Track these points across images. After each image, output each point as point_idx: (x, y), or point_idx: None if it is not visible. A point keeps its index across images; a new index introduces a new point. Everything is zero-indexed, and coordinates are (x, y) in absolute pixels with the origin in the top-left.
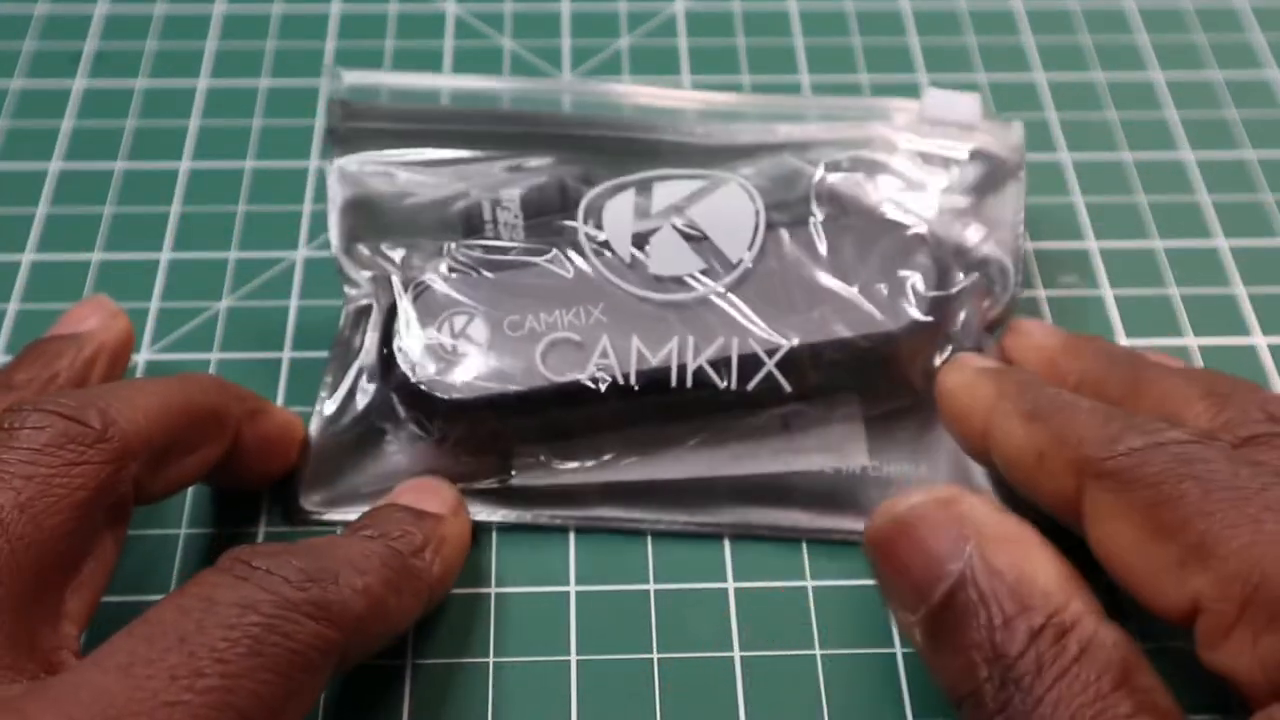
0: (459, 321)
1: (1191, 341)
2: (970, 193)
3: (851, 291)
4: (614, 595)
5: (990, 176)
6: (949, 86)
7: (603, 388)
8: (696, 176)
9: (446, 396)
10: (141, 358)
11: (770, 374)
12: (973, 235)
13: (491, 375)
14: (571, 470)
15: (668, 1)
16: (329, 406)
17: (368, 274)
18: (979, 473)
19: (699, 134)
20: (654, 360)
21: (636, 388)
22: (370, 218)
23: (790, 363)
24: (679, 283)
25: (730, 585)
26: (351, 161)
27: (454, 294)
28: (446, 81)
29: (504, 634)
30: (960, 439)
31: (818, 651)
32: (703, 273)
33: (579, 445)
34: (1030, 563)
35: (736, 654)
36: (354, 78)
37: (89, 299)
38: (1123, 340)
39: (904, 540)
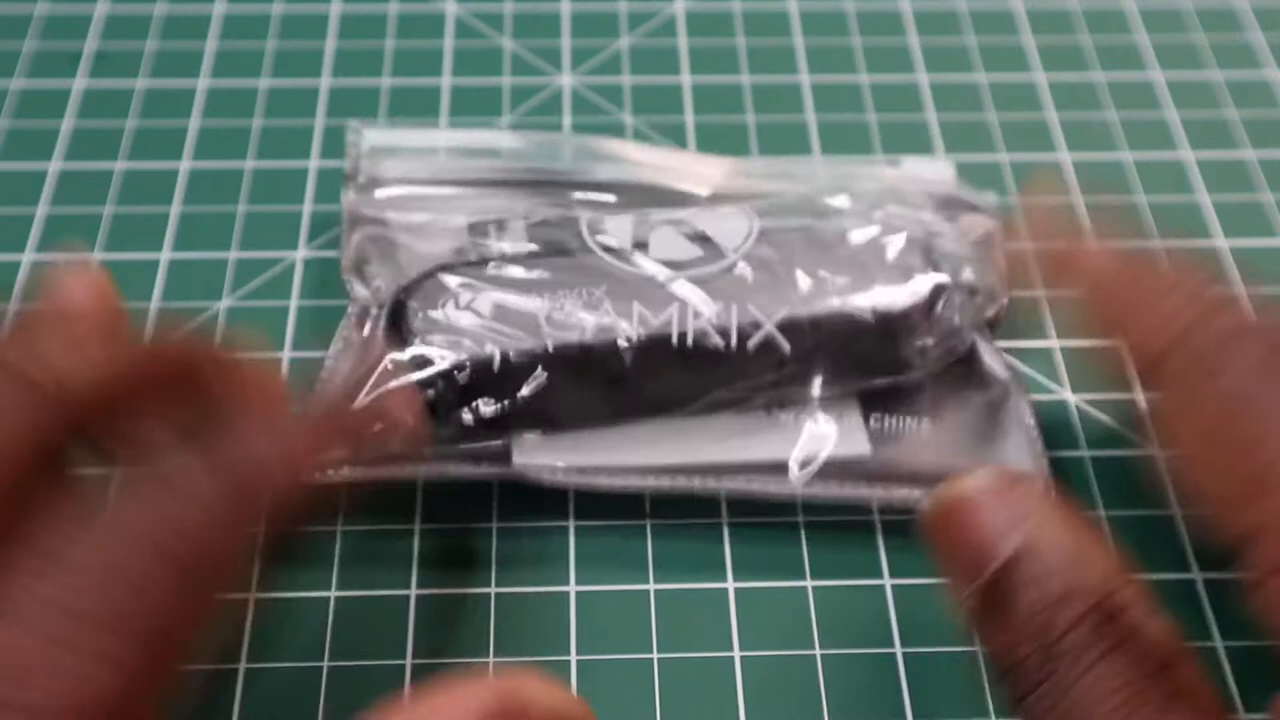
0: (465, 296)
1: None
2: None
3: (846, 277)
4: (614, 595)
5: (962, 208)
6: (949, 86)
7: (605, 349)
8: (695, 203)
9: (452, 360)
10: None
11: (770, 335)
12: (955, 250)
13: (495, 343)
14: (565, 448)
15: (668, 1)
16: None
17: (371, 291)
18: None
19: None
20: (655, 322)
21: (637, 346)
22: (380, 247)
23: (789, 327)
24: (678, 265)
25: (730, 585)
26: (365, 201)
27: (459, 279)
28: (468, 138)
29: (504, 634)
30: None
31: (818, 651)
32: (701, 259)
33: (572, 428)
34: (1084, 547)
35: (736, 654)
36: (374, 137)
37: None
38: None
39: (964, 516)
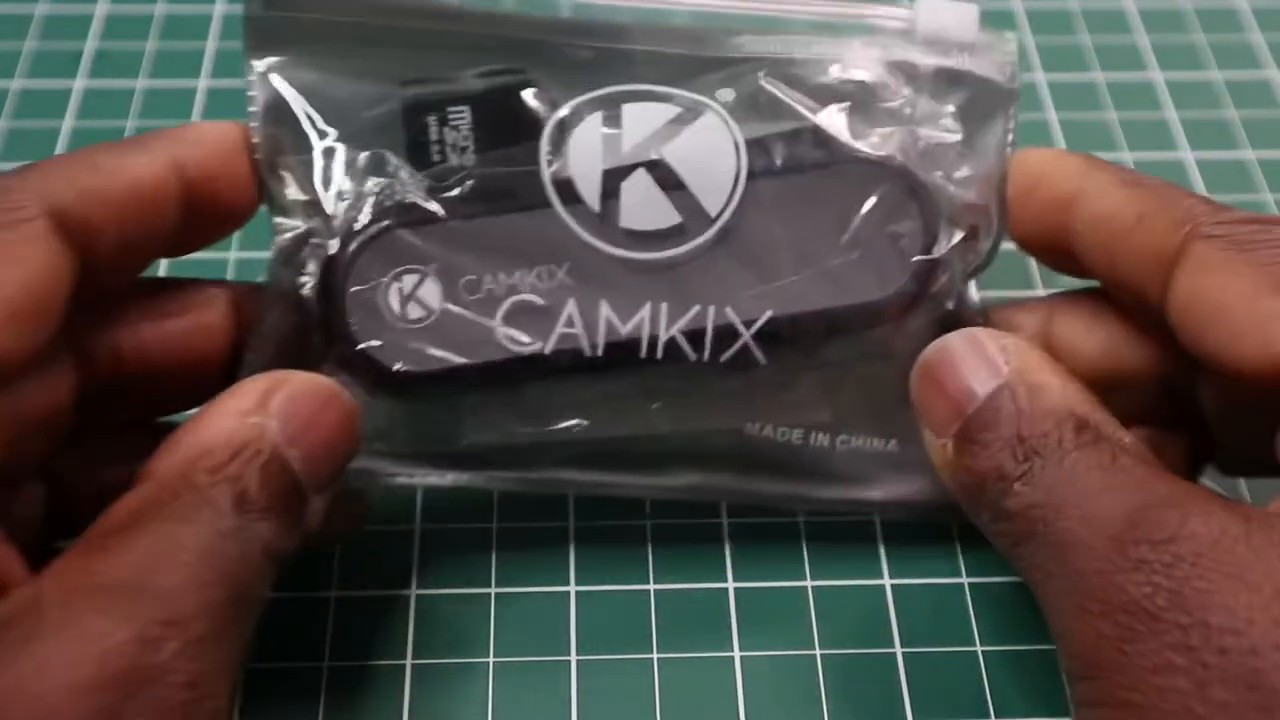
0: (409, 281)
1: None
2: (959, 122)
3: (836, 254)
4: (614, 595)
5: (979, 103)
6: None
7: (566, 361)
8: (670, 98)
9: (395, 367)
10: None
11: (746, 345)
12: (961, 177)
13: (446, 345)
14: (527, 432)
15: None
16: (262, 360)
17: (299, 197)
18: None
19: (670, 44)
20: (623, 331)
21: (602, 357)
22: (298, 124)
23: (768, 334)
24: (653, 239)
25: (730, 585)
26: (275, 63)
27: (405, 245)
28: None
29: (504, 634)
30: (1031, 205)
31: (818, 651)
32: (679, 228)
33: (535, 405)
34: (1062, 378)
35: (736, 654)
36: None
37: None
38: None
39: (947, 362)
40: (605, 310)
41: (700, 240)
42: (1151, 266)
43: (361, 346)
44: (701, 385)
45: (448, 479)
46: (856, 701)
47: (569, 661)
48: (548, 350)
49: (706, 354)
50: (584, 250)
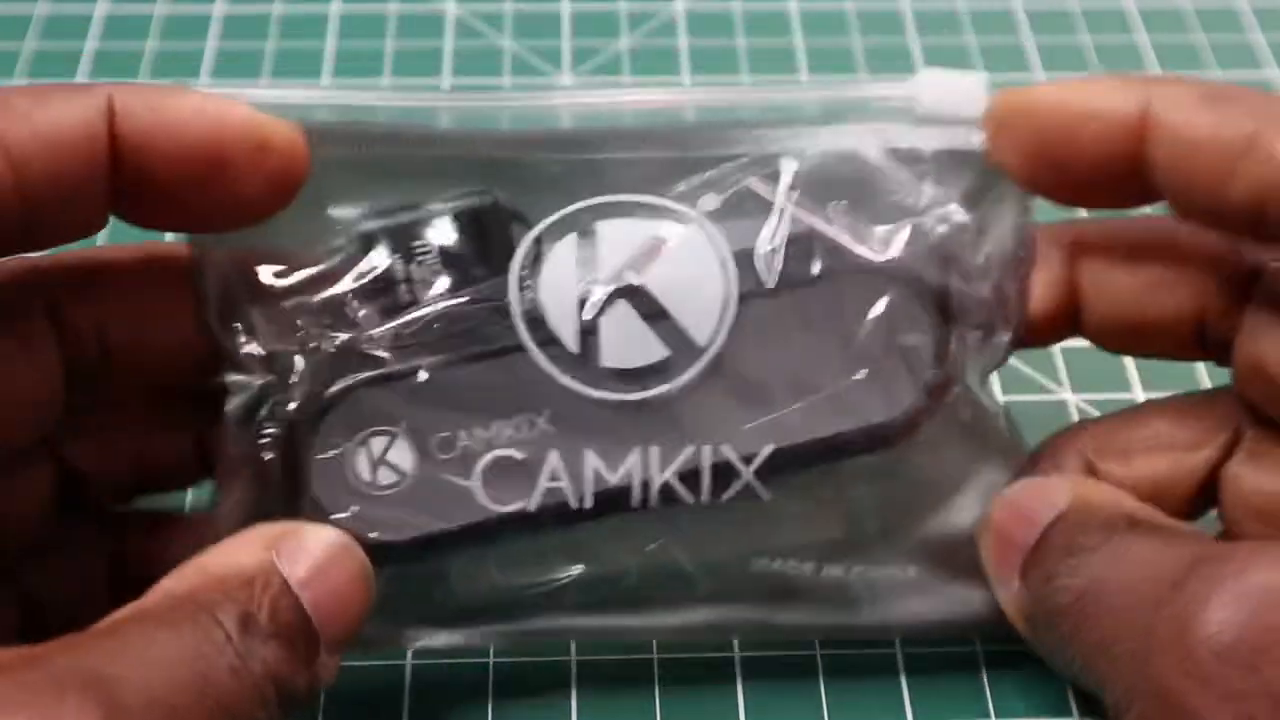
0: (378, 445)
1: None
2: (968, 203)
3: (839, 375)
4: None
5: (991, 182)
6: None
7: (553, 516)
8: (647, 212)
9: (370, 537)
10: None
11: (748, 484)
12: (974, 267)
13: (422, 510)
14: (519, 585)
15: (668, 1)
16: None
17: (253, 352)
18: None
19: (646, 148)
20: (612, 479)
21: (592, 509)
22: (250, 271)
23: (771, 469)
24: (638, 377)
25: None
26: None
27: (371, 405)
28: (331, 96)
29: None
30: (1087, 144)
31: (818, 651)
32: (665, 363)
33: (525, 559)
34: (1114, 494)
35: (736, 654)
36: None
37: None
38: None
39: (1007, 513)
40: (591, 459)
41: (690, 375)
42: (1276, 190)
43: (332, 519)
44: (701, 523)
45: (439, 640)
46: (857, 701)
47: (569, 661)
48: (532, 508)
49: (705, 495)
50: (564, 395)
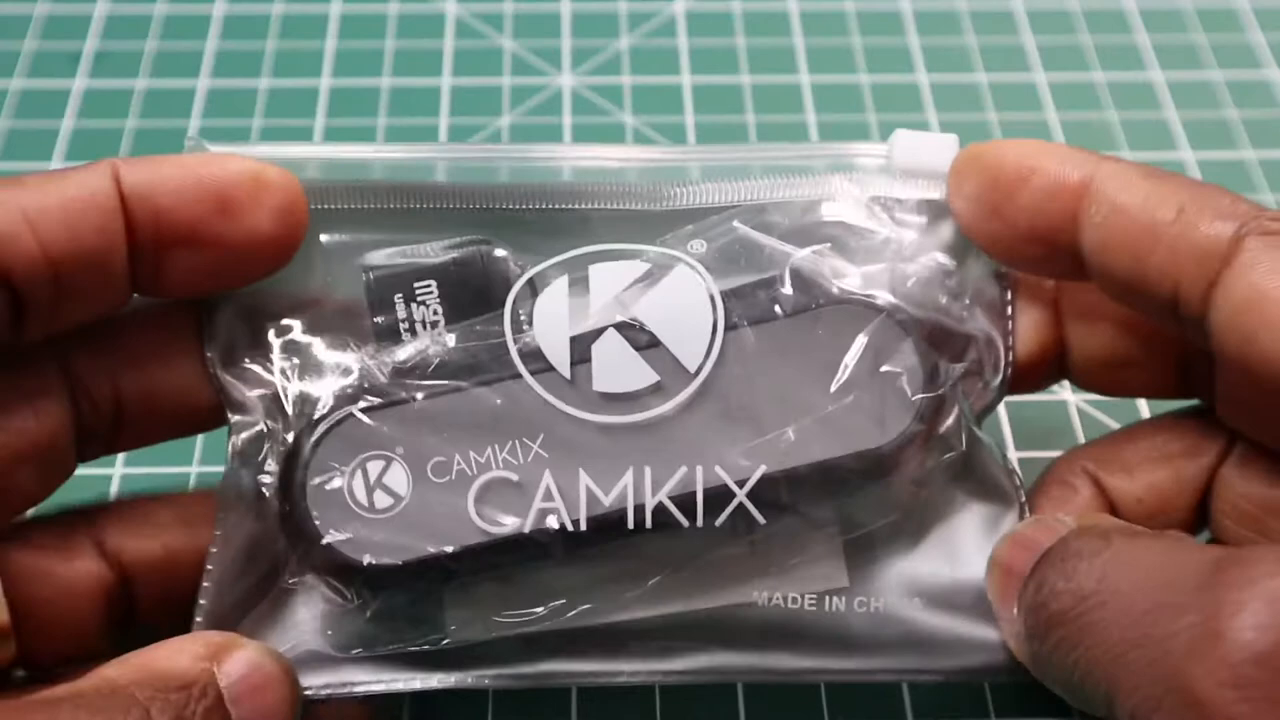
0: (374, 468)
1: None
2: (949, 251)
3: (829, 400)
4: None
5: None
6: (949, 86)
7: (548, 539)
8: (636, 255)
9: (366, 562)
10: None
11: (741, 506)
12: (957, 308)
13: (418, 533)
14: (516, 621)
15: (668, 1)
16: (222, 570)
17: (257, 393)
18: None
19: (634, 200)
20: (606, 501)
21: (587, 532)
22: (256, 317)
23: (764, 491)
24: (629, 401)
25: None
26: None
27: (368, 431)
28: (324, 152)
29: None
30: (1023, 196)
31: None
32: (657, 387)
33: (522, 590)
34: (1112, 520)
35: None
36: (218, 151)
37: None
38: None
39: (1011, 545)
40: (585, 480)
41: (681, 398)
42: (1193, 265)
43: (327, 541)
44: (700, 555)
45: (434, 681)
46: (857, 701)
47: None
48: (527, 529)
49: (700, 519)
50: (557, 419)
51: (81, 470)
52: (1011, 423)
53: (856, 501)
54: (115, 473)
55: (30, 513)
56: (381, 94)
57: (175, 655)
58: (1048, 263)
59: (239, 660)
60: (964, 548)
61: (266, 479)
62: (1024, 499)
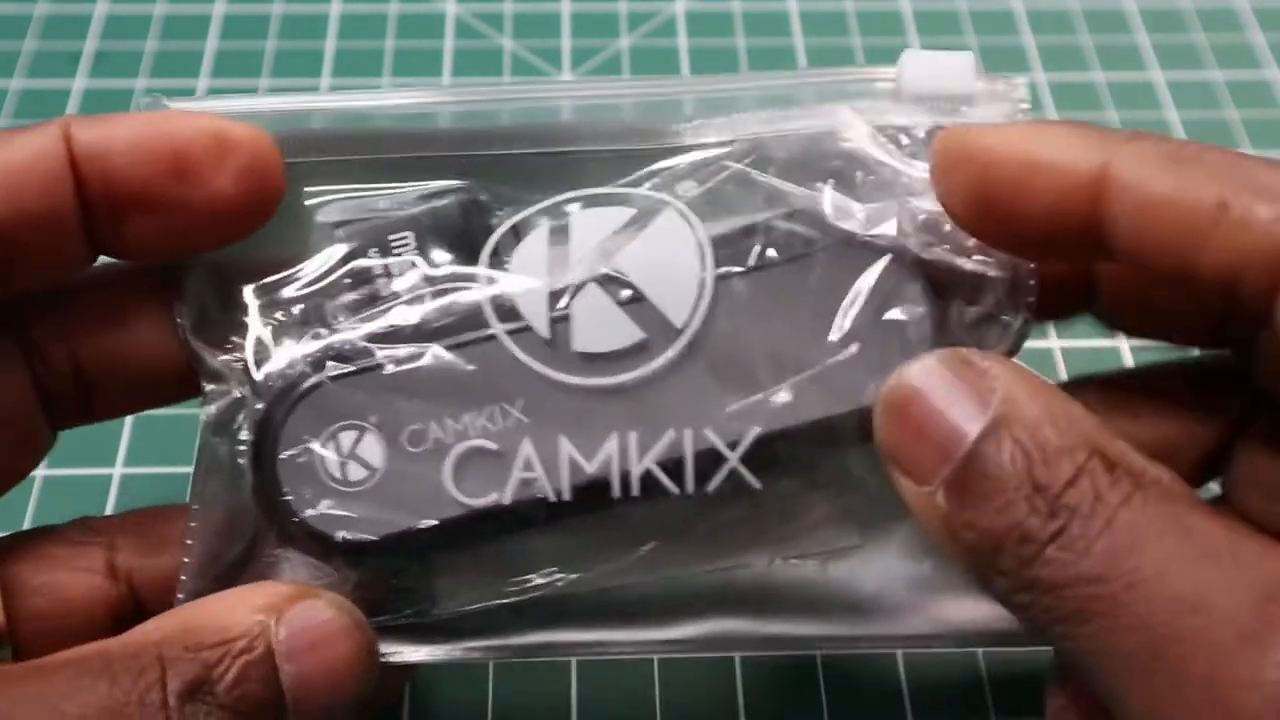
0: (347, 439)
1: None
2: None
3: (829, 353)
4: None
5: None
6: None
7: (530, 509)
8: (623, 200)
9: (340, 538)
10: None
11: (734, 471)
12: (969, 246)
13: (394, 506)
14: (506, 591)
15: (668, 1)
16: (203, 543)
17: (230, 359)
18: None
19: (626, 140)
20: (590, 468)
21: (571, 502)
22: (229, 279)
23: (758, 454)
24: (612, 361)
25: None
26: None
27: (340, 400)
28: (288, 103)
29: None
30: (1036, 197)
31: (818, 651)
32: (641, 345)
33: (511, 560)
34: (1065, 405)
35: (737, 654)
36: (180, 107)
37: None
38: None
39: (921, 395)
40: (566, 448)
41: (667, 356)
42: (1260, 259)
43: (299, 518)
44: (695, 520)
45: (423, 654)
46: (857, 701)
47: (569, 661)
48: (507, 500)
49: (690, 485)
50: (536, 382)
51: (82, 470)
52: None
53: (861, 461)
54: (115, 473)
55: (44, 523)
56: None
57: (232, 608)
58: (1069, 255)
59: (298, 613)
60: None
61: (241, 449)
62: None
